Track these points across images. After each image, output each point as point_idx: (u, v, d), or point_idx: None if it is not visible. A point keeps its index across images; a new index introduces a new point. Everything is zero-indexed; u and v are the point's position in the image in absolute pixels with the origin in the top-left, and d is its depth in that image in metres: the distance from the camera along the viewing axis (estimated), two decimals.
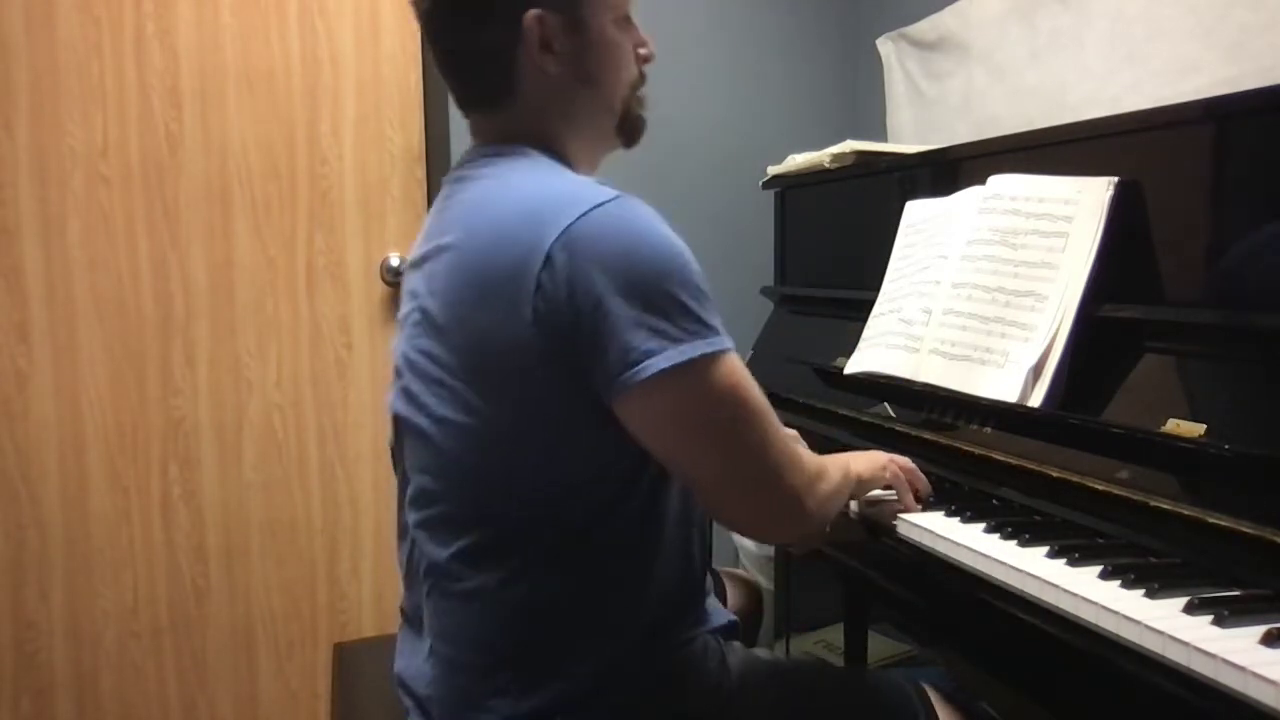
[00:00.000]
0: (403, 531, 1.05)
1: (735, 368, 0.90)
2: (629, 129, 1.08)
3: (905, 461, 1.17)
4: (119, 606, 1.97)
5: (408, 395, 0.98)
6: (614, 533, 0.94)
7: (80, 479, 1.93)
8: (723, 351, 0.88)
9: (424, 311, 0.95)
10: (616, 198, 0.89)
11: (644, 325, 0.84)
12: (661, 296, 0.85)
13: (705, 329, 0.87)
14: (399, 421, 1.01)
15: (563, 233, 0.84)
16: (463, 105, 1.04)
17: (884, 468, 1.14)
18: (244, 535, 2.04)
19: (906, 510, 1.14)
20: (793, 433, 1.13)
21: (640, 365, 0.84)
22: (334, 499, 2.11)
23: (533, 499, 0.91)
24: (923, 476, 1.17)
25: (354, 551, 2.13)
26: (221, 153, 1.98)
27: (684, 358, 0.84)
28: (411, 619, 1.05)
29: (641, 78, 1.06)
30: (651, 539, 0.97)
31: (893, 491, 1.16)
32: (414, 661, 1.02)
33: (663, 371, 0.84)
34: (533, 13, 0.94)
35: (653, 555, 0.97)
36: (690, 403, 0.87)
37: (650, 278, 0.85)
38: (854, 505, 1.19)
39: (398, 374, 1.01)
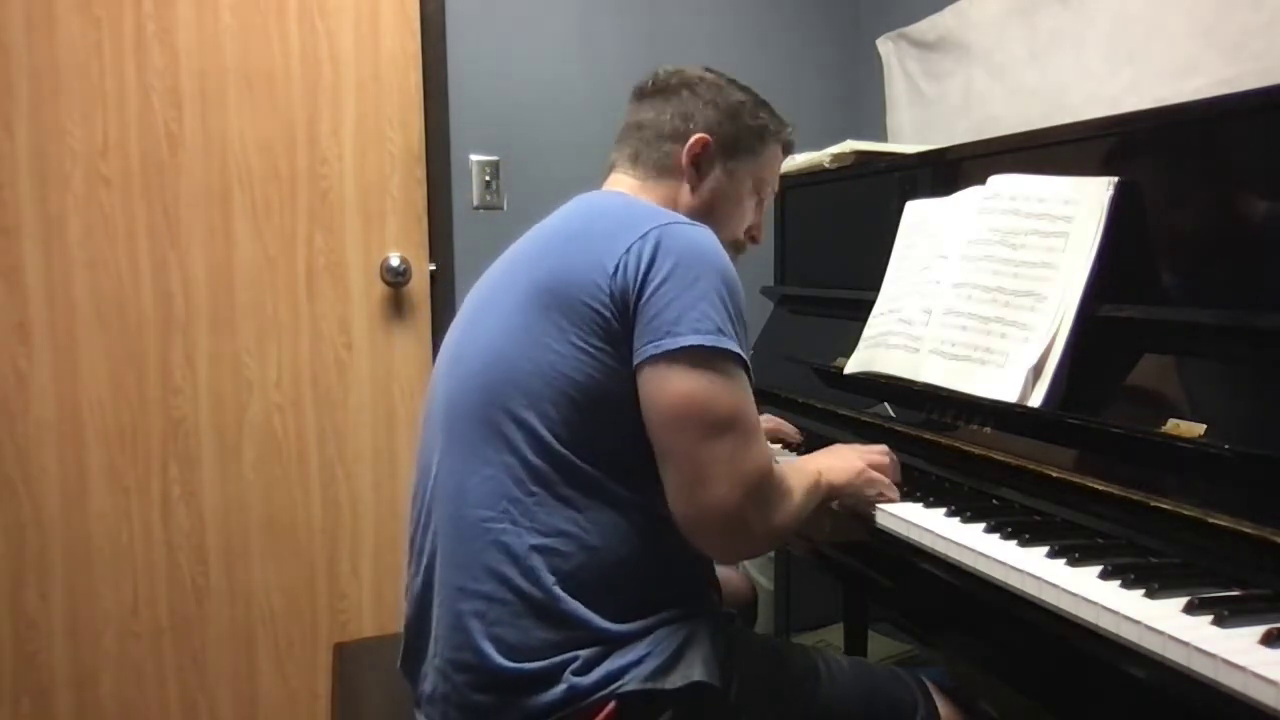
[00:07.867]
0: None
1: (745, 380, 0.99)
2: None
3: (880, 458, 1.18)
4: (119, 606, 1.97)
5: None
6: (633, 491, 0.99)
7: (80, 479, 1.93)
8: (741, 359, 0.98)
9: (506, 263, 1.10)
10: (704, 225, 1.05)
11: (694, 308, 0.96)
12: (715, 294, 0.97)
13: (738, 337, 0.98)
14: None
15: (659, 225, 1.00)
16: (619, 164, 1.20)
17: (860, 474, 1.14)
18: (244, 535, 2.04)
19: (888, 502, 1.16)
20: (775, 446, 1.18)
21: (676, 335, 0.94)
22: (334, 499, 2.11)
23: (562, 434, 0.98)
24: (897, 466, 1.19)
25: (354, 551, 2.13)
26: (221, 153, 1.98)
27: (714, 342, 0.95)
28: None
29: (741, 246, 1.25)
30: (665, 511, 0.98)
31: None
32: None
33: (692, 348, 0.94)
34: (702, 135, 1.15)
35: (665, 525, 0.99)
36: (698, 387, 0.94)
37: (712, 278, 0.98)
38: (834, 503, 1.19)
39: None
